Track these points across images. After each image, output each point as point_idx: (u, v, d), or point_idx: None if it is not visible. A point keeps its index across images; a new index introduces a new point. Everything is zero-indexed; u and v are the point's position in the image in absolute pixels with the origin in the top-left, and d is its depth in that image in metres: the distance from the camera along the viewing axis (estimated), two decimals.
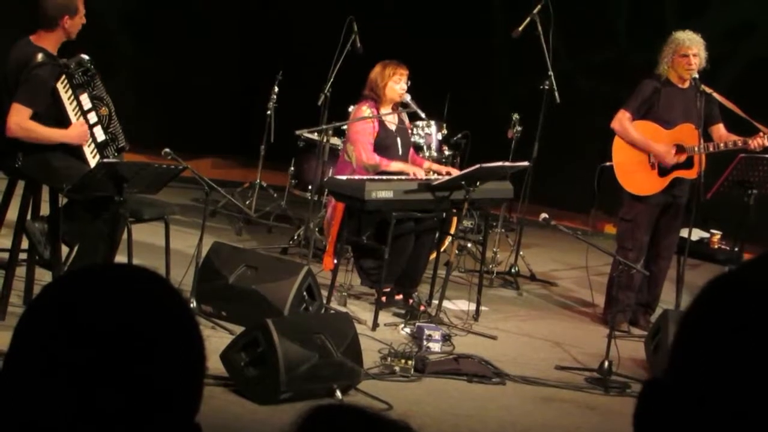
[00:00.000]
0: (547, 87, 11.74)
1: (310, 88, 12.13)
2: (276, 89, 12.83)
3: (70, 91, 8.33)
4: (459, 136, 12.17)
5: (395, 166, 10.12)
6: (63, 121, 8.30)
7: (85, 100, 8.43)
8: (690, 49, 10.06)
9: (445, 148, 11.82)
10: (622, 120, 10.21)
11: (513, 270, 11.82)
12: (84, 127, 8.36)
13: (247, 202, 12.87)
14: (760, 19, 14.61)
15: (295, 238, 11.78)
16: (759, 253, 1.63)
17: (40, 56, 8.19)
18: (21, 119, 8.08)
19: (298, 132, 11.67)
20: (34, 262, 8.32)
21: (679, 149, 10.06)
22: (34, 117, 8.14)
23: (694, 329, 1.54)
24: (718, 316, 1.52)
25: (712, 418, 1.47)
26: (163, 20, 15.70)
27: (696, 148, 9.97)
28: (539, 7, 11.89)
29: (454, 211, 10.25)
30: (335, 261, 10.00)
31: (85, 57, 8.51)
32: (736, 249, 11.86)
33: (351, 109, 10.60)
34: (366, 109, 10.22)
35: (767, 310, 1.47)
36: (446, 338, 9.05)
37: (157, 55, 15.56)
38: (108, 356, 1.69)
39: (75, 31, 8.43)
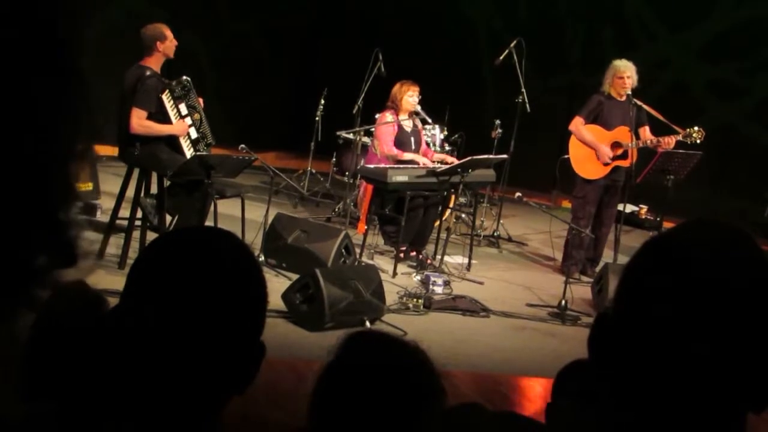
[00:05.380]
0: (520, 100, 11.73)
1: (346, 101, 12.08)
2: (322, 101, 12.82)
3: (171, 101, 8.37)
4: (456, 136, 12.14)
5: (407, 156, 10.20)
6: (167, 123, 8.34)
7: (183, 108, 8.47)
8: (625, 72, 10.03)
9: (446, 144, 11.80)
10: (577, 124, 10.18)
11: (495, 233, 11.80)
12: (185, 124, 8.42)
13: (301, 184, 12.84)
14: (674, 56, 14.63)
15: (336, 210, 11.75)
16: (676, 222, 1.64)
17: (148, 72, 8.22)
18: (141, 119, 8.14)
19: (338, 132, 11.64)
20: (145, 227, 8.33)
21: (617, 145, 10.04)
22: (149, 118, 8.19)
23: (634, 274, 1.53)
24: (651, 266, 1.52)
25: (645, 338, 1.47)
26: (239, 55, 15.73)
27: (629, 144, 9.97)
28: (515, 42, 11.87)
29: (453, 190, 10.23)
30: (366, 227, 10.00)
31: (185, 78, 8.54)
32: (658, 219, 11.85)
33: (377, 116, 10.59)
34: (388, 116, 10.26)
35: (684, 262, 1.48)
36: (446, 283, 9.02)
37: (235, 79, 15.60)
38: (196, 298, 1.68)
39: (171, 52, 8.44)
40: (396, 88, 10.30)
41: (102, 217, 9.35)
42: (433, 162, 10.26)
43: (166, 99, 8.33)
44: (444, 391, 2.47)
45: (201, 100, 8.74)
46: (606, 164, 10.06)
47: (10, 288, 0.94)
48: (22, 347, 1.01)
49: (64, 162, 0.97)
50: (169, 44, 8.40)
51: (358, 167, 10.46)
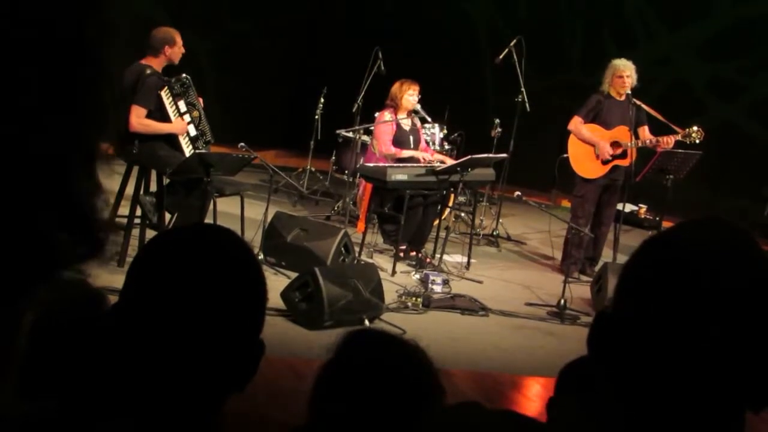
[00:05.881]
0: (520, 99, 11.71)
1: (346, 99, 12.09)
2: (322, 100, 12.81)
3: (170, 98, 8.38)
4: (456, 135, 12.13)
5: (406, 153, 10.27)
6: (166, 121, 8.35)
7: (182, 105, 8.49)
8: (624, 72, 10.04)
9: (445, 143, 11.80)
10: (576, 123, 10.19)
11: (494, 233, 11.80)
12: (184, 122, 8.43)
13: (301, 182, 12.83)
14: (673, 54, 14.65)
15: (336, 208, 11.76)
16: (675, 222, 1.64)
17: (148, 71, 8.23)
18: (140, 117, 8.15)
19: (338, 131, 11.65)
20: (145, 225, 8.33)
21: (616, 145, 10.05)
22: (148, 116, 8.20)
23: (633, 273, 1.53)
24: (651, 264, 1.52)
25: (644, 337, 1.48)
26: (239, 54, 15.73)
27: (629, 144, 9.98)
28: (515, 41, 11.86)
29: (452, 189, 10.23)
30: (365, 225, 10.01)
31: (184, 75, 8.55)
32: (657, 218, 11.86)
33: (376, 114, 10.60)
34: (387, 115, 10.29)
35: (684, 261, 1.49)
36: (445, 282, 9.02)
37: (235, 78, 15.62)
38: (195, 295, 1.67)
39: (176, 58, 8.46)
40: (396, 86, 10.32)
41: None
42: (434, 161, 10.27)
43: (165, 96, 8.33)
44: (443, 389, 2.47)
45: (201, 100, 8.75)
46: (605, 162, 10.07)
47: (36, 278, 0.95)
48: (23, 344, 1.01)
49: (91, 156, 0.99)
50: (177, 50, 8.42)
51: (358, 166, 10.46)
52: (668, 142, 9.94)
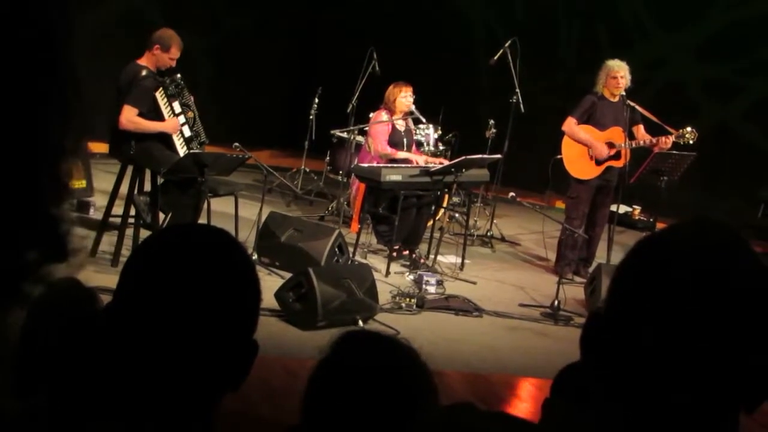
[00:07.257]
0: (514, 100, 11.71)
1: (340, 100, 12.09)
2: (316, 100, 12.82)
3: (165, 99, 8.37)
4: (450, 135, 12.13)
5: (401, 155, 10.29)
6: (160, 120, 8.34)
7: (176, 106, 8.48)
8: (618, 72, 10.03)
9: (440, 144, 11.79)
10: (570, 124, 10.18)
11: (489, 233, 11.80)
12: (175, 121, 8.42)
13: (295, 182, 12.83)
14: (669, 56, 14.65)
15: (330, 209, 11.76)
16: (669, 223, 1.64)
17: (144, 72, 8.23)
18: (130, 116, 8.15)
19: (332, 131, 11.66)
20: (139, 225, 8.33)
21: (610, 145, 10.04)
22: (140, 116, 8.19)
23: (627, 273, 1.53)
24: (644, 265, 1.52)
25: (637, 337, 1.48)
26: (234, 53, 15.71)
27: (622, 145, 9.98)
28: (509, 42, 11.86)
29: (446, 190, 10.24)
30: (359, 226, 10.01)
31: (178, 76, 8.55)
32: (651, 220, 11.89)
33: (372, 114, 10.60)
34: (384, 115, 10.31)
35: (677, 261, 1.49)
36: (439, 283, 9.01)
37: (230, 77, 15.61)
38: (189, 295, 1.67)
39: (162, 65, 8.42)
40: (389, 89, 10.36)
41: (95, 214, 9.34)
42: (425, 162, 10.28)
43: (160, 97, 8.33)
44: (436, 390, 2.47)
45: (192, 98, 8.75)
46: (600, 163, 10.07)
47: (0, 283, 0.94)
48: (14, 343, 1.01)
49: (56, 157, 0.97)
50: (166, 58, 8.38)
51: (352, 166, 10.46)
52: (666, 142, 9.93)
